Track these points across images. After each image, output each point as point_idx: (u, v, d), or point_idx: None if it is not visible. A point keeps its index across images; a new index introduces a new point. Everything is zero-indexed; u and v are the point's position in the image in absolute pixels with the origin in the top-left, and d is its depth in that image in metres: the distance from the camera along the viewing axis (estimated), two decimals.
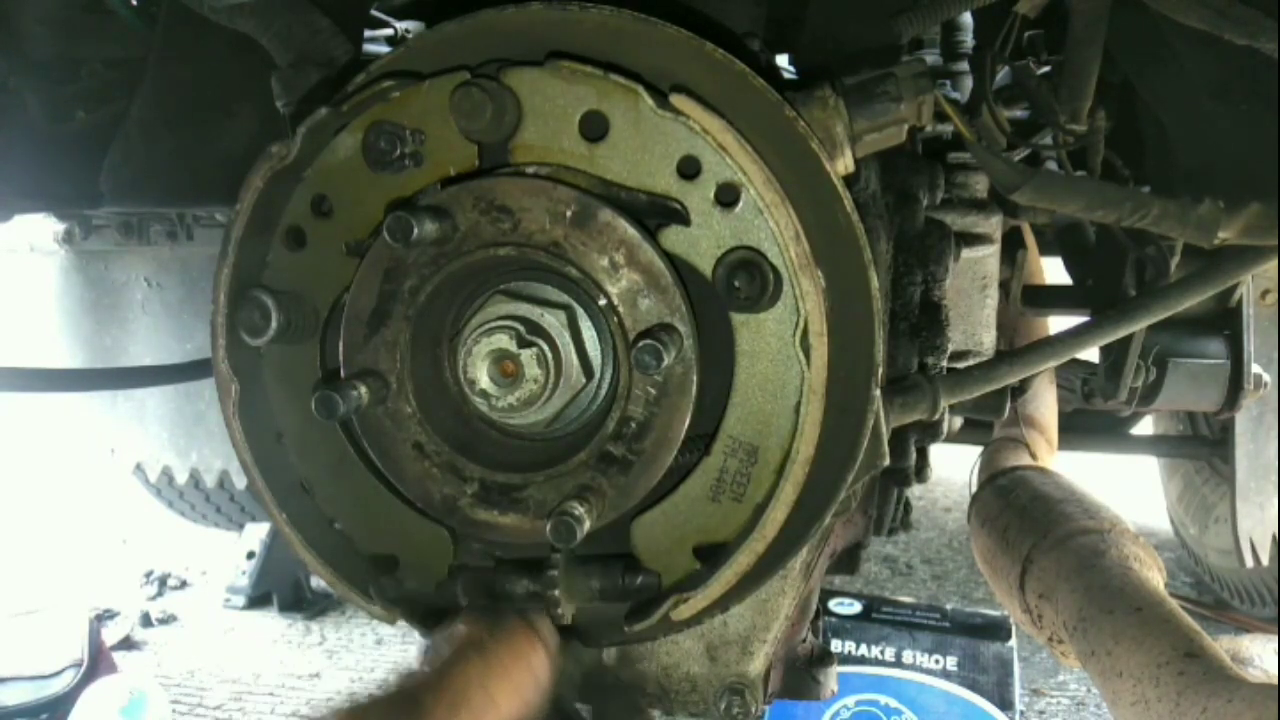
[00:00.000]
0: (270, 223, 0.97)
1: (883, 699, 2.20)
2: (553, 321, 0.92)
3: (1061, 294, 2.14)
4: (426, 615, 1.00)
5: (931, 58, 2.31)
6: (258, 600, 3.80)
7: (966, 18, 2.17)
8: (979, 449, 2.18)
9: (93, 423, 3.43)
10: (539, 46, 0.89)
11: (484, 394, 0.92)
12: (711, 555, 0.95)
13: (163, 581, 4.08)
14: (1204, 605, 3.59)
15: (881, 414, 0.93)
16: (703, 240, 0.89)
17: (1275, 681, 1.11)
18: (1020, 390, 2.09)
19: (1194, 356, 2.01)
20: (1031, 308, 2.00)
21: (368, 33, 2.01)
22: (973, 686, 2.18)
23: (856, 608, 2.34)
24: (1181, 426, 3.34)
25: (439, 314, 0.95)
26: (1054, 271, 2.31)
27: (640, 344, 0.84)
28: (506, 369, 0.91)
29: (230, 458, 3.38)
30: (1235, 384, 2.02)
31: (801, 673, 1.20)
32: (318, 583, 3.88)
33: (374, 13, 1.80)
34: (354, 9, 1.22)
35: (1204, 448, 3.10)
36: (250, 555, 3.82)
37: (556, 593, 0.95)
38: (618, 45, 0.88)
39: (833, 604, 2.34)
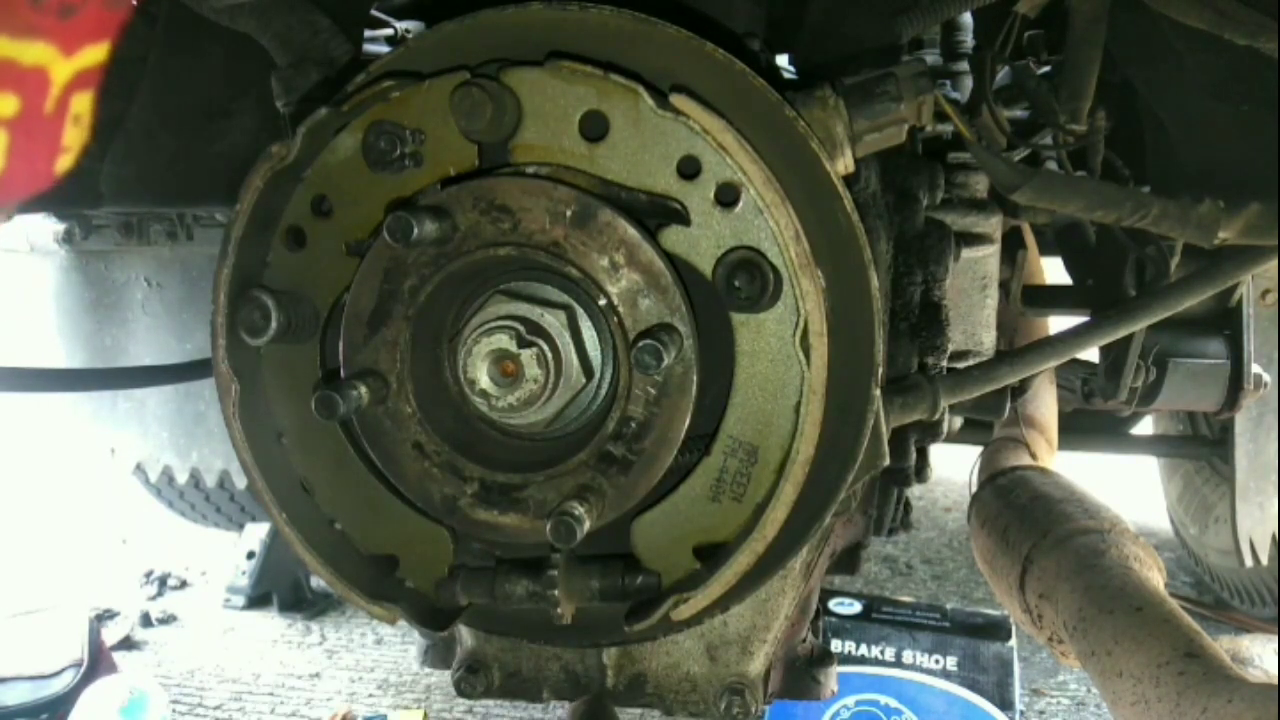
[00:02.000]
0: (270, 223, 0.97)
1: (883, 699, 2.20)
2: (553, 321, 0.92)
3: (1061, 294, 2.14)
4: (426, 615, 1.00)
5: (931, 58, 2.31)
6: (258, 600, 3.80)
7: (966, 18, 2.17)
8: (979, 449, 2.18)
9: (93, 423, 3.43)
10: (539, 46, 0.89)
11: (484, 394, 0.92)
12: (711, 555, 0.95)
13: (163, 581, 4.08)
14: (1204, 605, 3.59)
15: (881, 414, 0.93)
16: (703, 240, 0.89)
17: (1275, 681, 1.11)
18: (1020, 390, 2.09)
19: (1194, 356, 2.01)
20: (1031, 308, 2.00)
21: (368, 33, 2.01)
22: (973, 686, 2.18)
23: (856, 608, 2.33)
24: (1181, 426, 3.34)
25: (439, 314, 0.95)
26: (1054, 271, 2.31)
27: (640, 344, 0.84)
28: (506, 369, 0.91)
29: (230, 458, 3.38)
30: (1235, 384, 2.02)
31: (801, 673, 1.20)
32: (318, 583, 3.88)
33: (374, 13, 1.80)
34: (354, 9, 1.22)
35: (1204, 448, 3.10)
36: (250, 555, 3.82)
37: (556, 593, 0.95)
38: (618, 45, 0.88)
39: (833, 604, 2.34)
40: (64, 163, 0.40)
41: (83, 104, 0.40)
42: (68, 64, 0.37)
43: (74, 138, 0.40)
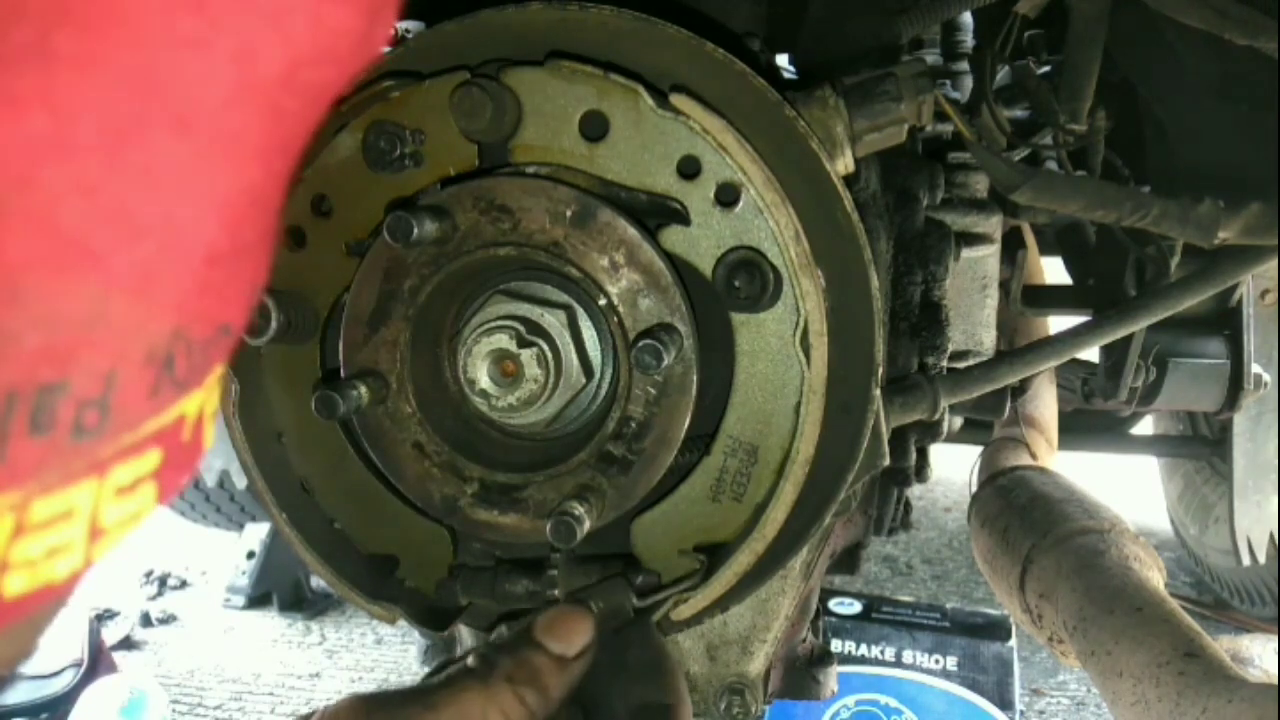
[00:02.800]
0: None
1: (883, 699, 2.20)
2: (553, 321, 0.92)
3: (1061, 294, 2.14)
4: (426, 615, 1.00)
5: (931, 58, 2.32)
6: (258, 600, 3.80)
7: (966, 18, 2.17)
8: (979, 449, 2.18)
9: None
10: (539, 46, 0.89)
11: (484, 394, 0.92)
12: (711, 555, 0.95)
13: (163, 581, 4.08)
14: (1204, 605, 3.59)
15: (881, 414, 0.93)
16: (703, 240, 0.89)
17: (1275, 681, 1.11)
18: (1020, 390, 2.09)
19: (1194, 356, 2.01)
20: (1031, 308, 2.00)
21: None
22: (973, 686, 2.19)
23: (856, 608, 2.34)
24: (1181, 426, 3.34)
25: (439, 314, 0.95)
26: (1054, 271, 2.31)
27: (640, 344, 0.84)
28: (506, 369, 0.91)
29: (230, 458, 3.38)
30: (1235, 384, 2.02)
31: (801, 673, 1.20)
32: (318, 583, 3.88)
33: None
34: None
35: (1204, 448, 3.10)
36: (250, 555, 3.83)
37: (556, 592, 0.95)
38: (618, 45, 0.88)
39: (833, 604, 2.34)
40: (200, 459, 0.41)
41: (213, 401, 0.40)
42: (198, 395, 0.38)
43: (210, 433, 0.41)
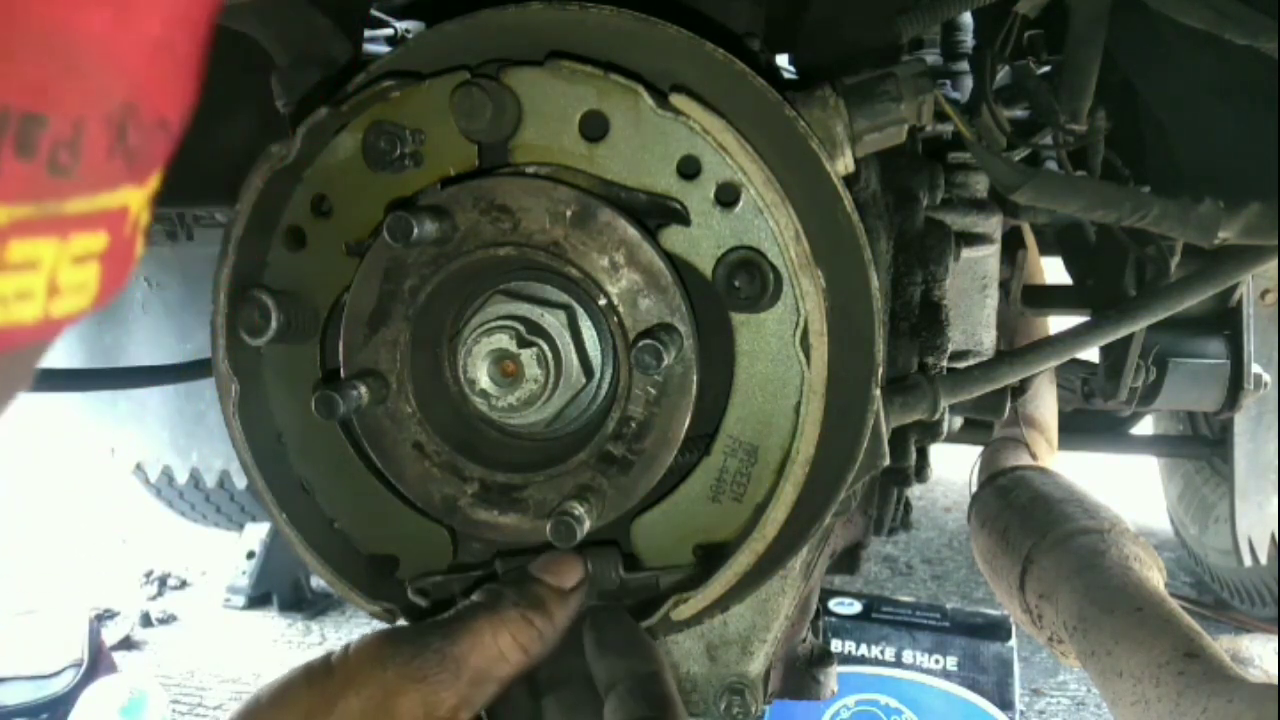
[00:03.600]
0: (270, 223, 0.97)
1: (883, 699, 2.21)
2: (553, 321, 0.92)
3: (1061, 294, 2.14)
4: (426, 615, 1.00)
5: (931, 58, 2.32)
6: (258, 600, 3.80)
7: (966, 18, 2.17)
8: (979, 449, 2.18)
9: (93, 423, 3.43)
10: (539, 46, 0.89)
11: (484, 394, 0.92)
12: (711, 555, 0.95)
13: (163, 581, 4.09)
14: (1204, 605, 3.59)
15: (881, 414, 0.93)
16: (703, 240, 0.89)
17: (1275, 681, 1.11)
18: (1020, 390, 2.09)
19: (1194, 356, 2.01)
20: (1031, 308, 2.00)
21: (368, 33, 2.01)
22: (973, 686, 2.19)
23: (856, 608, 2.34)
24: (1181, 426, 3.34)
25: (439, 314, 0.95)
26: (1054, 271, 2.31)
27: (640, 344, 0.84)
28: (506, 369, 0.91)
29: (230, 457, 3.38)
30: (1235, 384, 2.02)
31: (801, 673, 1.19)
32: (318, 583, 3.89)
33: (374, 13, 1.80)
34: (354, 9, 1.22)
35: (1204, 448, 3.10)
36: (250, 555, 3.83)
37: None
38: (618, 45, 0.88)
39: (833, 604, 2.34)
40: (134, 267, 0.44)
41: (147, 215, 0.44)
42: (141, 192, 0.41)
43: (141, 245, 0.45)
